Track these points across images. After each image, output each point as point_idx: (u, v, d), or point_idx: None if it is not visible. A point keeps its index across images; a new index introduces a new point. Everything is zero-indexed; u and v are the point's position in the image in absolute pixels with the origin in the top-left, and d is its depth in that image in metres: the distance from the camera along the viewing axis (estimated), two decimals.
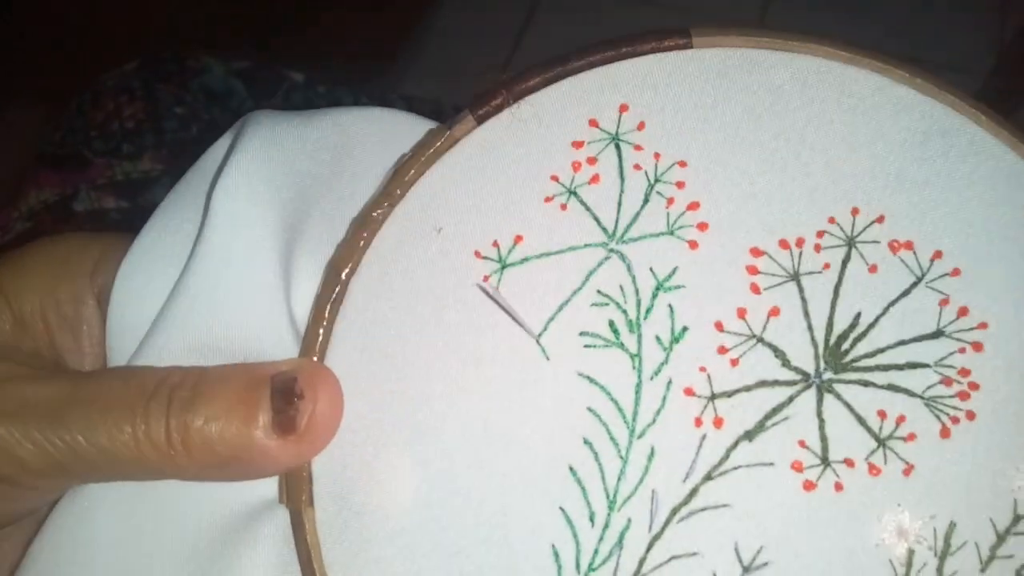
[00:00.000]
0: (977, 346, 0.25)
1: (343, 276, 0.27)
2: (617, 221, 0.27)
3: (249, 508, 0.27)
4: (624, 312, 0.26)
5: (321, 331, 0.27)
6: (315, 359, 0.27)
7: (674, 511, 0.25)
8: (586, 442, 0.25)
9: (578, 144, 0.27)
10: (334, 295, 0.27)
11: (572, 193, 0.27)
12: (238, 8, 1.05)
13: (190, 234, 0.28)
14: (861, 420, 0.25)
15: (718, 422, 0.25)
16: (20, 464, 0.24)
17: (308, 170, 0.28)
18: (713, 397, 0.25)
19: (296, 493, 0.26)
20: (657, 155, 0.27)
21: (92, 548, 0.26)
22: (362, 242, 0.27)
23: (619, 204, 0.27)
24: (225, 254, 0.27)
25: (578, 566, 0.25)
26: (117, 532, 0.26)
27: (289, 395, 0.25)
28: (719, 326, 0.26)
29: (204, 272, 0.27)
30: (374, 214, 0.27)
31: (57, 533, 0.26)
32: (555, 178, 0.27)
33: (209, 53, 0.62)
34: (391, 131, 0.29)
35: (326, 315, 0.27)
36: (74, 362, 0.28)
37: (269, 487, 0.27)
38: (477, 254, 0.27)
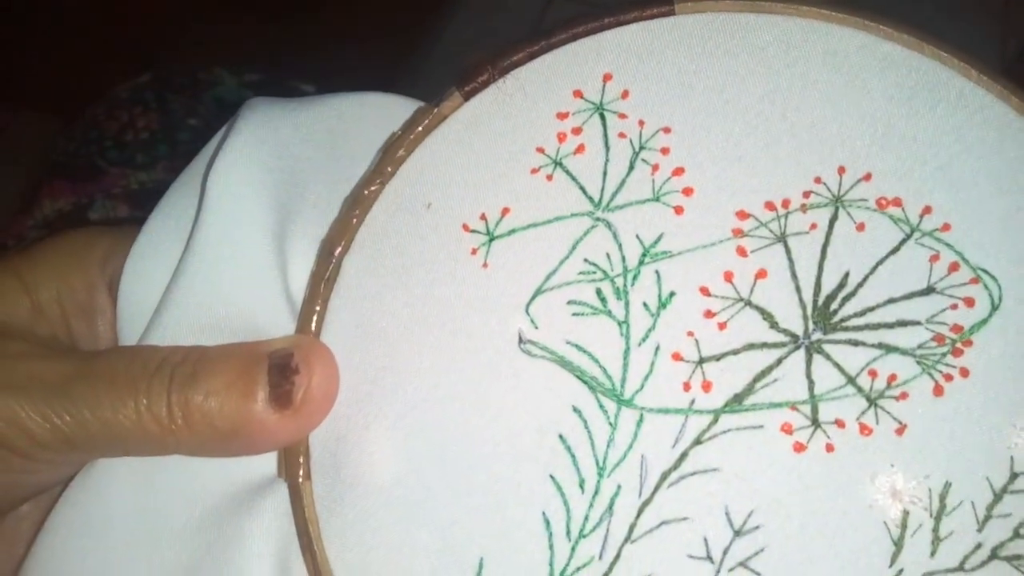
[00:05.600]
0: (969, 301, 0.25)
1: (336, 254, 0.27)
2: (603, 190, 0.27)
3: (253, 482, 0.27)
4: (611, 280, 0.26)
5: (316, 308, 0.27)
6: (311, 335, 0.27)
7: (664, 476, 0.25)
8: (575, 410, 0.25)
9: (563, 115, 0.27)
10: (328, 273, 0.27)
11: (558, 164, 0.27)
12: (250, 20, 1.07)
13: (192, 220, 0.28)
14: (851, 380, 0.25)
15: (707, 386, 0.25)
16: (31, 437, 0.25)
17: (302, 152, 0.29)
18: (701, 361, 0.25)
19: (293, 467, 0.26)
20: (641, 122, 0.27)
21: (104, 522, 0.27)
22: (354, 220, 0.28)
23: (604, 173, 0.27)
24: (221, 235, 0.28)
25: (568, 533, 0.25)
26: (127, 507, 0.27)
27: (286, 370, 0.26)
28: (705, 290, 0.26)
29: (202, 254, 0.28)
30: (366, 192, 0.28)
31: (70, 509, 0.27)
32: (541, 150, 0.27)
33: (221, 65, 0.63)
34: (386, 113, 0.29)
35: (320, 292, 0.27)
36: (89, 347, 0.29)
37: (271, 463, 0.27)
38: (465, 227, 0.27)
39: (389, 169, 0.28)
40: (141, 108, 0.60)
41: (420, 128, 0.28)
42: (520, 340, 0.26)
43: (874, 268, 0.25)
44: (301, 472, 0.26)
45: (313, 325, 0.27)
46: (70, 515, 0.27)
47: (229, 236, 0.28)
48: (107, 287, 0.29)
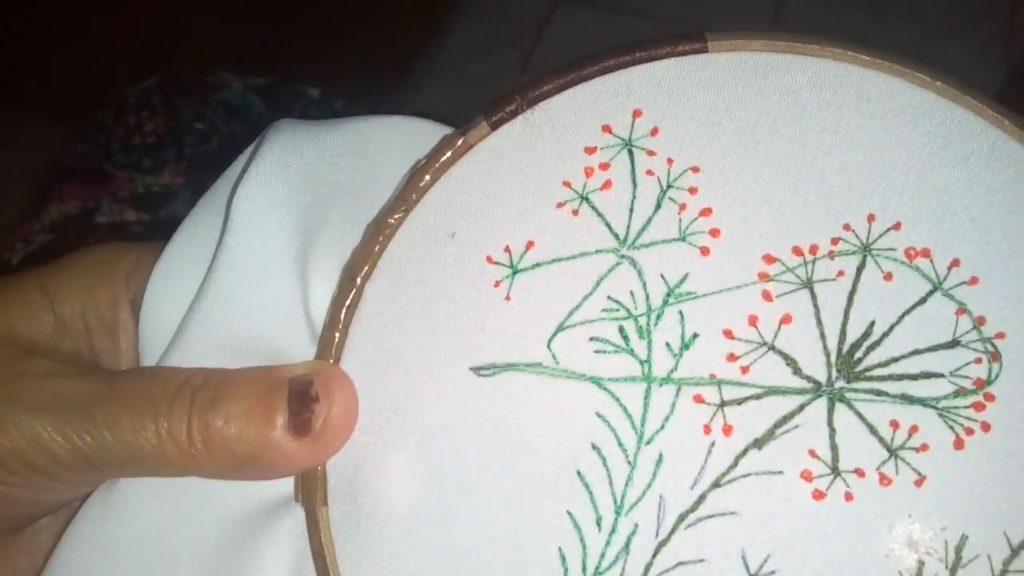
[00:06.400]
0: (994, 356, 0.25)
1: (358, 280, 0.27)
2: (629, 227, 0.27)
3: (271, 503, 0.27)
4: (634, 318, 0.26)
5: (337, 334, 0.27)
6: (331, 362, 0.27)
7: (681, 517, 0.25)
8: (594, 447, 0.26)
9: (591, 150, 0.27)
10: (349, 299, 0.27)
11: (584, 199, 0.27)
12: (255, 25, 1.07)
13: (216, 241, 0.28)
14: (873, 430, 0.25)
15: (727, 429, 0.25)
16: (52, 457, 0.25)
17: (327, 176, 0.28)
18: (723, 404, 0.25)
19: (311, 492, 0.27)
20: (670, 160, 0.27)
21: (121, 540, 0.27)
22: (377, 247, 0.28)
23: (631, 210, 0.27)
24: (244, 258, 0.28)
25: (584, 569, 0.25)
26: (145, 525, 0.27)
27: (305, 398, 0.26)
28: (729, 333, 0.26)
29: (224, 276, 0.28)
30: (390, 219, 0.28)
31: (87, 525, 0.28)
32: (567, 184, 0.27)
33: (228, 69, 0.63)
34: (410, 138, 0.29)
35: (342, 318, 0.27)
36: (111, 363, 0.30)
37: (289, 485, 0.27)
38: (489, 259, 0.27)
39: (414, 196, 0.28)
40: (148, 112, 0.60)
41: (446, 156, 0.28)
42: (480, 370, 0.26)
43: (900, 319, 0.25)
44: (318, 498, 0.27)
45: (333, 351, 0.27)
46: (88, 530, 0.27)
47: (253, 258, 0.28)
48: (131, 304, 0.29)
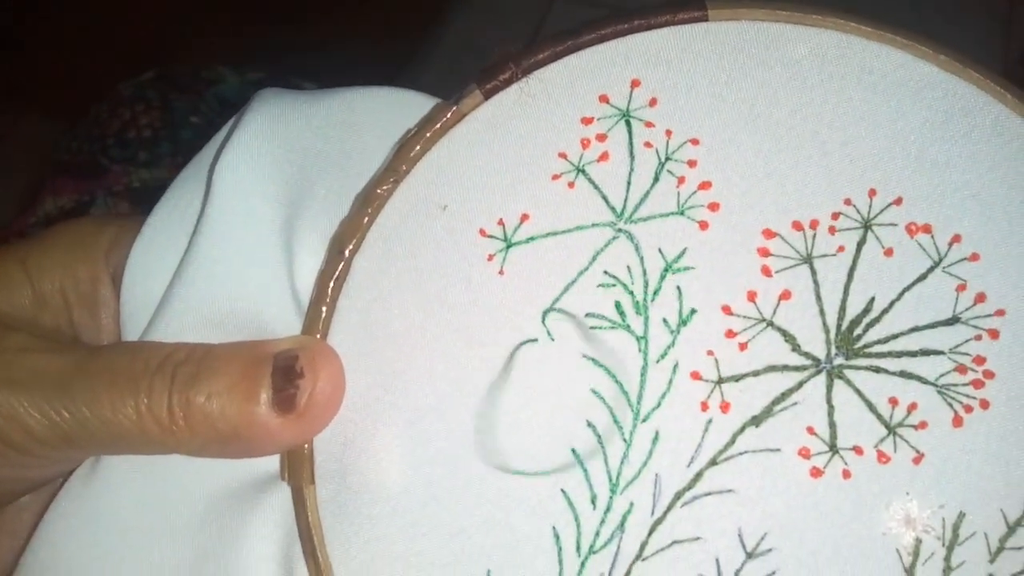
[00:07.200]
0: (993, 333, 0.24)
1: (347, 253, 0.27)
2: (626, 200, 0.26)
3: (258, 479, 0.27)
4: (631, 293, 0.26)
5: (324, 309, 0.26)
6: (318, 337, 0.26)
7: (677, 495, 0.25)
8: (589, 424, 0.25)
9: (587, 120, 0.27)
10: (337, 272, 0.27)
11: (580, 171, 0.26)
12: (250, 19, 1.06)
13: (198, 212, 0.28)
14: (871, 407, 0.24)
15: (725, 407, 0.25)
16: (28, 433, 0.24)
17: (313, 146, 0.28)
18: (720, 381, 0.25)
19: (297, 470, 0.26)
20: (669, 132, 0.26)
21: (104, 518, 0.26)
22: (366, 219, 0.27)
23: (628, 183, 0.26)
24: (226, 229, 0.27)
25: (579, 548, 0.25)
26: (128, 503, 0.27)
27: (290, 373, 0.25)
28: (728, 309, 0.25)
29: (207, 248, 0.27)
30: (379, 190, 0.27)
31: (70, 503, 0.27)
32: (563, 155, 0.26)
33: (223, 63, 0.62)
34: (400, 109, 0.28)
35: (329, 292, 0.26)
36: (92, 339, 0.29)
37: (276, 461, 0.27)
38: (482, 232, 0.26)
39: (404, 167, 0.27)
40: (144, 106, 0.59)
41: (438, 126, 0.27)
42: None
43: (900, 295, 0.25)
44: (305, 476, 0.26)
45: (320, 326, 0.26)
46: (70, 508, 0.27)
47: (235, 229, 0.27)
48: (111, 278, 0.28)
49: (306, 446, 0.26)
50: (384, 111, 0.28)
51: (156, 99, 0.60)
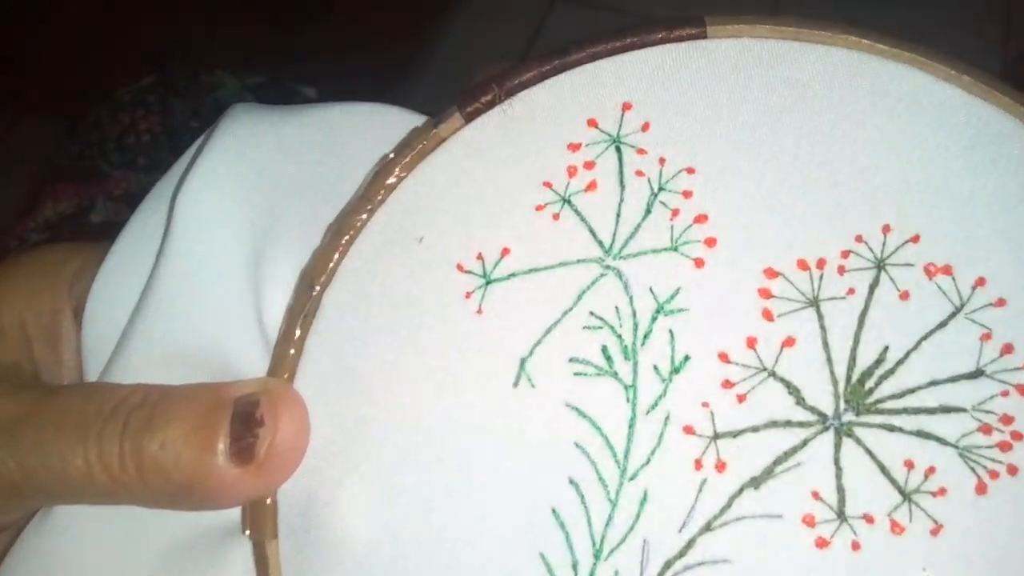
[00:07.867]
0: (1022, 389, 0.22)
1: (317, 288, 0.25)
2: (615, 234, 0.24)
3: (218, 533, 0.25)
4: (619, 337, 0.24)
5: (292, 348, 0.25)
6: (285, 378, 0.25)
7: (667, 564, 0.22)
8: (572, 482, 0.23)
9: (575, 146, 0.25)
10: (307, 308, 0.25)
11: (566, 201, 0.24)
12: (251, 24, 1.06)
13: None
14: (884, 470, 0.22)
15: (720, 466, 0.23)
16: None
17: (285, 171, 0.26)
18: (716, 437, 0.23)
19: (259, 523, 0.24)
20: (662, 160, 0.24)
21: (60, 570, 0.25)
22: (338, 252, 0.25)
23: (618, 215, 0.24)
24: (188, 261, 0.25)
25: None
26: (83, 555, 0.25)
27: (250, 420, 0.23)
28: (725, 356, 0.23)
29: (167, 281, 0.25)
30: (353, 220, 0.25)
31: (24, 556, 0.25)
32: (548, 184, 0.25)
33: (223, 68, 0.62)
34: (380, 128, 0.26)
35: (298, 330, 0.25)
36: (53, 375, 0.27)
37: (238, 511, 0.25)
38: (460, 267, 0.24)
39: (380, 195, 0.25)
40: (143, 111, 0.59)
41: (415, 151, 0.25)
42: None
43: (917, 344, 0.22)
44: (268, 530, 0.24)
45: (287, 366, 0.25)
46: (23, 561, 0.25)
47: (198, 261, 0.25)
48: (73, 311, 0.27)
49: (269, 498, 0.24)
50: (363, 130, 0.26)
51: (156, 104, 0.60)
